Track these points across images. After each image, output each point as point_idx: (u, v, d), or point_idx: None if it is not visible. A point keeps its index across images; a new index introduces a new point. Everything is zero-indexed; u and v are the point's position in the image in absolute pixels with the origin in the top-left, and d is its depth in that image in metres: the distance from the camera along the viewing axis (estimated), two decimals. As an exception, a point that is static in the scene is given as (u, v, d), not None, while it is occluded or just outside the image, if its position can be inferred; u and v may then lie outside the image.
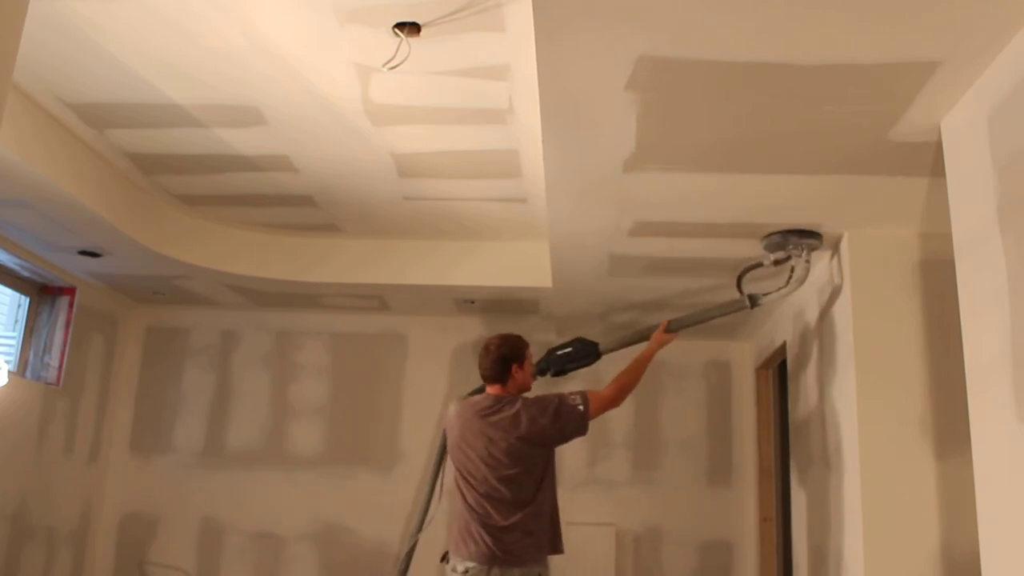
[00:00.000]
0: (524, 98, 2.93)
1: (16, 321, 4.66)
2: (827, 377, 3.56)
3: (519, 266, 4.47)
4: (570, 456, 4.93)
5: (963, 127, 2.36)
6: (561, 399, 3.28)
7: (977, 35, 2.05)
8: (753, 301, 3.60)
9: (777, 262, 3.48)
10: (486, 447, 3.21)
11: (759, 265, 3.55)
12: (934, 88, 2.29)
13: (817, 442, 3.69)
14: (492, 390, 3.34)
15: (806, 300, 3.88)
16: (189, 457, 5.18)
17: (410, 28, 2.55)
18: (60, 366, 4.68)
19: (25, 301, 4.69)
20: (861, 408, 3.17)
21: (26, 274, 4.56)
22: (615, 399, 3.40)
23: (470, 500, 3.20)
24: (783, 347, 4.34)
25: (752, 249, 3.58)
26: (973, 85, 2.26)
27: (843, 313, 3.37)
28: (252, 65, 2.84)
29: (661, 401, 5.16)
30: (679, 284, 4.14)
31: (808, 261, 3.43)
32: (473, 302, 4.90)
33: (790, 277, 3.53)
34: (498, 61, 2.74)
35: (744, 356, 5.19)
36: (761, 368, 4.99)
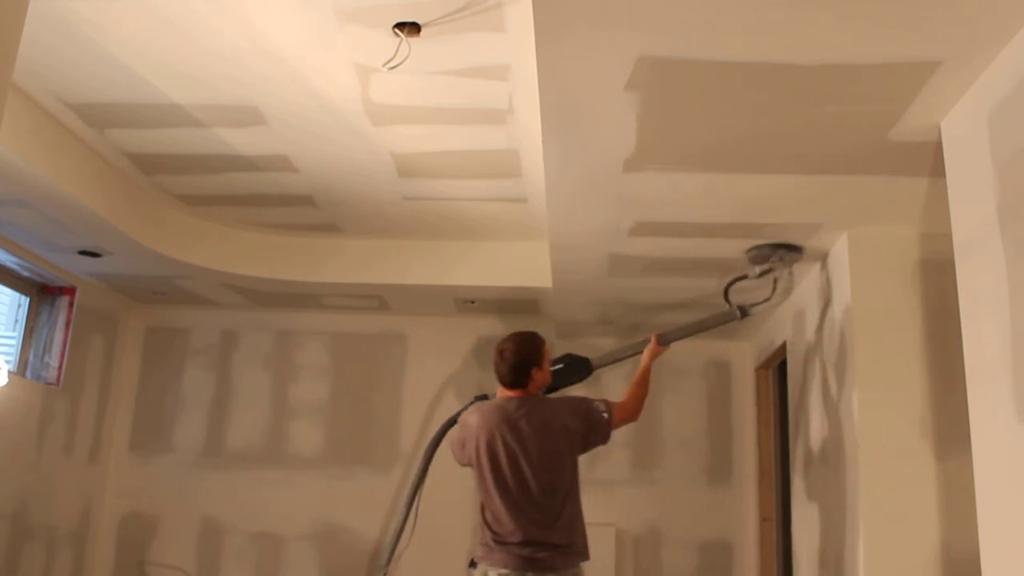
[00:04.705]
0: (524, 98, 2.93)
1: (16, 321, 4.67)
2: (827, 377, 3.56)
3: (519, 266, 4.47)
4: (570, 456, 4.92)
5: (963, 127, 2.36)
6: (588, 404, 3.19)
7: (977, 35, 2.05)
8: (743, 312, 3.74)
9: (762, 274, 3.62)
10: (518, 452, 3.07)
11: (744, 277, 3.69)
12: (934, 88, 2.29)
13: (817, 442, 3.69)
14: (512, 393, 3.18)
15: (806, 300, 3.88)
16: (189, 457, 5.19)
17: (410, 28, 2.55)
18: (60, 366, 4.68)
19: (25, 301, 4.69)
20: (861, 408, 3.17)
21: (26, 274, 4.56)
22: (635, 411, 3.34)
23: (500, 509, 3.06)
24: (783, 347, 4.34)
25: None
26: (973, 85, 2.26)
27: (843, 313, 3.37)
28: (252, 65, 2.84)
29: (661, 401, 5.15)
30: (679, 284, 4.14)
31: (791, 273, 3.59)
32: (473, 302, 4.90)
33: (774, 288, 3.68)
34: (498, 61, 2.74)
35: (744, 356, 5.19)
36: (761, 368, 5.00)
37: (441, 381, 5.21)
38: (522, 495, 3.06)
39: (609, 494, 5.05)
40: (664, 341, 3.65)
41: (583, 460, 4.99)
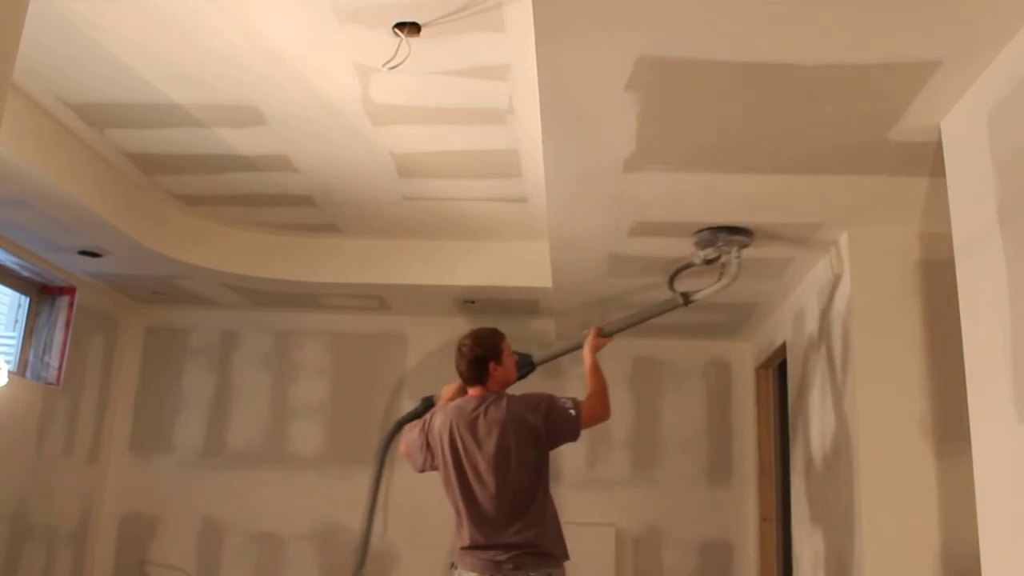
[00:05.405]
0: (524, 98, 2.93)
1: (16, 321, 4.67)
2: (827, 377, 3.56)
3: (519, 266, 4.47)
4: (570, 456, 4.93)
5: (963, 127, 2.36)
6: (551, 401, 3.08)
7: (977, 35, 2.05)
8: (686, 298, 3.60)
9: (708, 261, 3.47)
10: (476, 452, 3.00)
11: (690, 265, 3.58)
12: (934, 88, 2.29)
13: (817, 442, 3.69)
14: (473, 391, 3.14)
15: (806, 300, 3.89)
16: (189, 457, 5.19)
17: (410, 28, 2.55)
18: (60, 366, 4.68)
19: (25, 301, 4.69)
20: (861, 408, 3.17)
21: (26, 274, 4.56)
22: (600, 408, 3.19)
23: (463, 511, 3.03)
24: (783, 347, 4.34)
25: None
26: (973, 85, 2.27)
27: (843, 313, 3.37)
28: (252, 65, 2.84)
29: (661, 401, 5.16)
30: (679, 284, 4.14)
31: (739, 257, 3.41)
32: (473, 302, 4.90)
33: (722, 273, 3.50)
34: (498, 61, 2.74)
35: (744, 356, 5.20)
36: (761, 368, 5.00)
37: (441, 381, 5.18)
38: (483, 496, 3.00)
39: (609, 494, 5.06)
40: (605, 333, 3.51)
41: (582, 460, 5.06)
